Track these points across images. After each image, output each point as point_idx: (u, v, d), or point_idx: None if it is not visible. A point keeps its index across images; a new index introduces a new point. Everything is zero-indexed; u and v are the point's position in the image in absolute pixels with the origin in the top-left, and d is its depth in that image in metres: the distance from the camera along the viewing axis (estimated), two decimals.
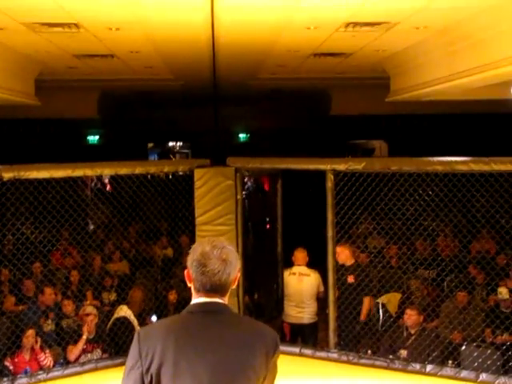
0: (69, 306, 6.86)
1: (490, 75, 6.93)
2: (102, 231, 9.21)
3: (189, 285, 2.43)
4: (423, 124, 15.03)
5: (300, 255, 7.19)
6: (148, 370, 2.23)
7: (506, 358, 5.73)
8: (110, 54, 9.69)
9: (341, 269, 6.33)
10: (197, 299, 2.38)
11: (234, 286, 2.43)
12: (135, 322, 6.52)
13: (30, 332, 5.88)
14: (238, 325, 2.40)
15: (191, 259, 2.38)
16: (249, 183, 6.51)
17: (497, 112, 12.78)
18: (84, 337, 6.18)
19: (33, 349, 5.90)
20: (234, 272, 2.38)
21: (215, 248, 2.36)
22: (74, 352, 6.13)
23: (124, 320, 6.39)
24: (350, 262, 6.79)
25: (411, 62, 9.40)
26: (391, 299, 7.09)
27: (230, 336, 2.31)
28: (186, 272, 2.42)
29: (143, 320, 6.72)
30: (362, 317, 6.55)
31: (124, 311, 6.51)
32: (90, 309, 6.52)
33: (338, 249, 6.24)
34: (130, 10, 6.54)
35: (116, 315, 6.56)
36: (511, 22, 6.07)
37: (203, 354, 2.24)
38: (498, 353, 5.96)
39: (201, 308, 2.36)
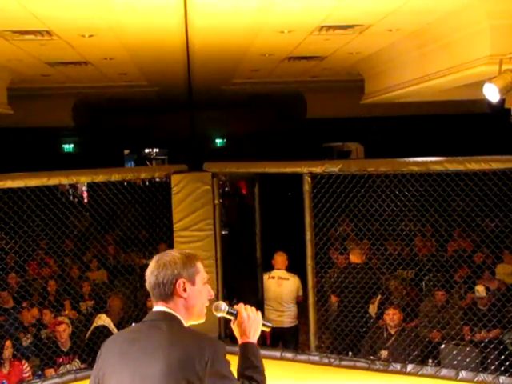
0: (46, 316, 6.76)
1: (461, 76, 7.00)
2: (79, 240, 9.10)
3: None
4: (398, 126, 15.15)
5: (279, 259, 7.19)
6: (97, 375, 2.35)
7: (484, 355, 5.79)
8: (83, 62, 9.60)
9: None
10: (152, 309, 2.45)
11: (183, 295, 2.36)
12: (115, 330, 6.45)
13: (8, 343, 5.80)
14: (177, 334, 2.31)
15: None
16: (226, 188, 6.51)
17: (470, 112, 12.94)
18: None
19: (10, 361, 5.80)
20: (171, 275, 2.36)
21: (161, 255, 2.42)
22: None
23: (103, 329, 6.33)
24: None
25: (385, 64, 9.47)
26: (371, 300, 7.11)
27: (163, 345, 2.26)
28: None
29: (123, 328, 6.65)
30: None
31: (103, 320, 6.45)
32: (61, 318, 6.46)
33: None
34: (102, 16, 6.49)
35: (95, 324, 6.49)
36: (480, 24, 6.15)
37: (130, 363, 2.26)
38: (477, 350, 6.02)
39: (149, 317, 2.41)
